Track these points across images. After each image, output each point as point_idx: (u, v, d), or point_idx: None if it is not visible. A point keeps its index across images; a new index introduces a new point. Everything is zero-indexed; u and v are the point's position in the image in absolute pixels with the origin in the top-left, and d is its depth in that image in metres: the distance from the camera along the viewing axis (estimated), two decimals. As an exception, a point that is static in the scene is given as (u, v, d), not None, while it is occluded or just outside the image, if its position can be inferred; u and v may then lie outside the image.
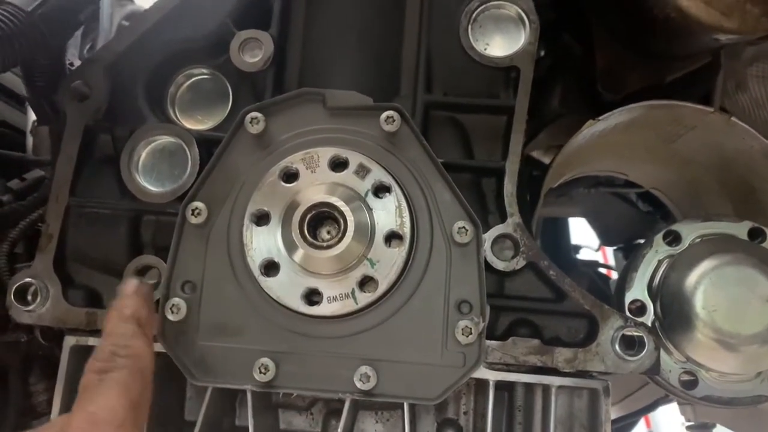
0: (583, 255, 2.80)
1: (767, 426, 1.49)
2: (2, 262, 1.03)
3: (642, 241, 1.49)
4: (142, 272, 0.97)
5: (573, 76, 1.52)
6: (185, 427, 1.02)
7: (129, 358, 0.67)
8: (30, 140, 1.55)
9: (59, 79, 1.03)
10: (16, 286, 0.94)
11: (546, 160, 1.70)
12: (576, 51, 1.47)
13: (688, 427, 1.87)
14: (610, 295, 1.01)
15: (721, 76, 1.31)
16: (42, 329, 1.04)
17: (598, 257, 3.04)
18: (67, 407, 0.95)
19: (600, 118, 1.08)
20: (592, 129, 1.12)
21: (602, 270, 2.36)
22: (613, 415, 1.93)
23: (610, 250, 3.00)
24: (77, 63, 1.34)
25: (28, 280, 0.95)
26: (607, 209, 2.00)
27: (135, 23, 1.03)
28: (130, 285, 0.77)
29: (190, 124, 1.05)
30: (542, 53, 1.55)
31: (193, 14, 1.03)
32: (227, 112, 1.05)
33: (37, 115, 1.18)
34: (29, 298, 0.95)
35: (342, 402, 0.97)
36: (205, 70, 1.06)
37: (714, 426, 1.86)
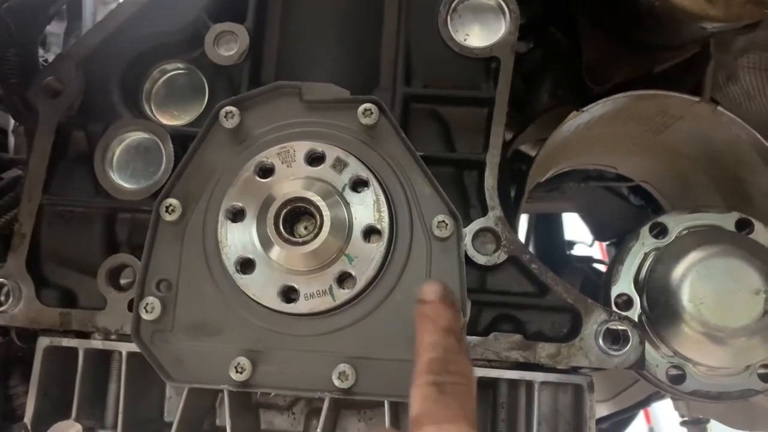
0: (578, 251, 2.78)
1: (760, 420, 1.47)
2: (-24, 262, 1.01)
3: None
4: (117, 271, 0.95)
5: (562, 70, 1.51)
6: (164, 428, 1.00)
7: (462, 374, 0.63)
8: (12, 140, 1.53)
9: (32, 75, 1.00)
10: (-11, 290, 0.92)
11: (533, 154, 1.68)
12: (564, 44, 1.45)
13: (682, 423, 1.86)
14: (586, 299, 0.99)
15: (711, 67, 1.29)
16: (17, 330, 1.02)
17: (595, 252, 3.03)
18: (40, 409, 0.93)
19: (584, 109, 1.06)
20: (576, 120, 1.11)
21: (597, 265, 2.35)
22: (608, 411, 1.92)
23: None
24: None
25: (0, 280, 0.93)
26: (599, 204, 1.98)
27: (108, 18, 1.01)
28: (435, 289, 0.71)
29: (166, 120, 1.03)
30: (531, 46, 1.53)
31: (167, 8, 1.01)
32: (203, 107, 1.03)
33: (11, 114, 1.16)
34: (2, 298, 0.93)
35: (323, 401, 0.96)
36: (180, 65, 1.04)
37: (708, 421, 1.85)
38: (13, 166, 1.26)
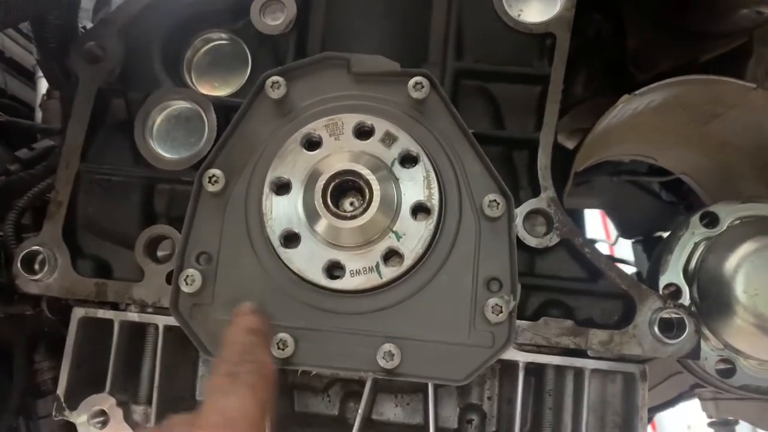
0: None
1: (795, 423, 1.44)
2: (9, 230, 0.98)
3: (663, 233, 1.42)
4: (155, 242, 0.92)
5: (598, 59, 1.48)
6: (196, 407, 0.97)
7: (256, 363, 0.68)
8: (39, 114, 1.51)
9: (71, 40, 0.98)
10: (23, 254, 0.90)
11: (569, 145, 1.65)
12: (606, 31, 1.42)
13: (710, 423, 1.82)
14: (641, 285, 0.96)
15: (753, 61, 1.26)
16: (49, 301, 1.00)
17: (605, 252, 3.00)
18: (73, 382, 0.91)
19: (636, 93, 1.03)
20: (625, 107, 1.07)
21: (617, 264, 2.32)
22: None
23: (617, 246, 2.96)
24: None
25: (35, 248, 0.90)
26: (628, 200, 1.95)
27: (151, -16, 0.99)
28: (247, 305, 0.79)
29: (206, 90, 1.00)
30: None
31: (212, -24, 0.98)
32: (246, 78, 1.00)
33: (47, 80, 1.13)
34: (36, 267, 0.91)
35: (361, 384, 0.93)
36: (223, 35, 1.02)
37: (737, 423, 1.81)
38: (45, 136, 1.23)
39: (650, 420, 2.44)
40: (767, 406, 1.49)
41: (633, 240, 2.21)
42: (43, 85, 1.58)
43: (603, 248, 3.13)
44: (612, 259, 2.37)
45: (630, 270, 2.35)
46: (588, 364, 0.88)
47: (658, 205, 1.88)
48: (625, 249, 2.60)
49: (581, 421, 0.87)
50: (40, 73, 1.59)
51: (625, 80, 1.37)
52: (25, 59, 1.68)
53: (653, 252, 1.12)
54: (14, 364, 1.20)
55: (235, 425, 0.61)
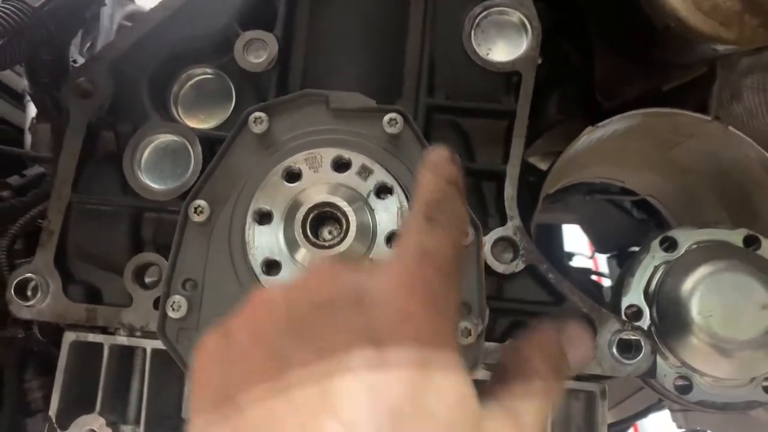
0: (576, 262, 2.82)
1: (757, 432, 1.51)
2: (2, 257, 1.03)
3: (636, 248, 1.49)
4: (143, 269, 0.97)
5: (570, 84, 1.54)
6: (182, 425, 1.02)
7: (455, 217, 0.61)
8: (28, 137, 1.55)
9: (62, 75, 1.03)
10: (16, 281, 0.94)
11: (542, 166, 1.72)
12: (574, 59, 1.48)
13: (679, 434, 1.89)
14: (603, 301, 1.02)
15: (717, 86, 1.33)
16: (40, 325, 1.04)
17: (590, 265, 3.07)
18: (64, 403, 0.95)
19: (599, 124, 1.09)
20: (590, 136, 1.13)
21: (594, 278, 2.38)
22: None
23: (601, 258, 3.03)
24: (79, 60, 1.34)
25: (28, 275, 0.95)
26: (601, 216, 2.01)
27: (139, 22, 1.04)
28: (444, 152, 0.68)
29: (192, 123, 1.05)
30: (540, 61, 1.57)
31: (197, 14, 1.03)
32: (230, 111, 1.05)
33: (39, 111, 1.18)
34: (29, 293, 0.95)
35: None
36: (208, 70, 1.07)
37: (705, 433, 1.88)
38: (34, 163, 1.28)
39: (628, 429, 2.50)
40: (731, 418, 1.56)
41: (608, 255, 2.28)
42: (33, 109, 1.62)
43: (583, 261, 3.20)
44: (591, 273, 2.45)
45: (607, 282, 2.42)
46: (552, 383, 0.93)
47: (630, 222, 1.94)
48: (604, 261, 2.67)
49: (546, 436, 0.93)
50: (29, 97, 1.64)
51: (595, 106, 1.44)
52: (13, 82, 1.71)
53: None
54: (5, 383, 1.24)
55: (432, 258, 0.55)
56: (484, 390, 0.56)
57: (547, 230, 2.49)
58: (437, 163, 0.67)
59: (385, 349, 0.46)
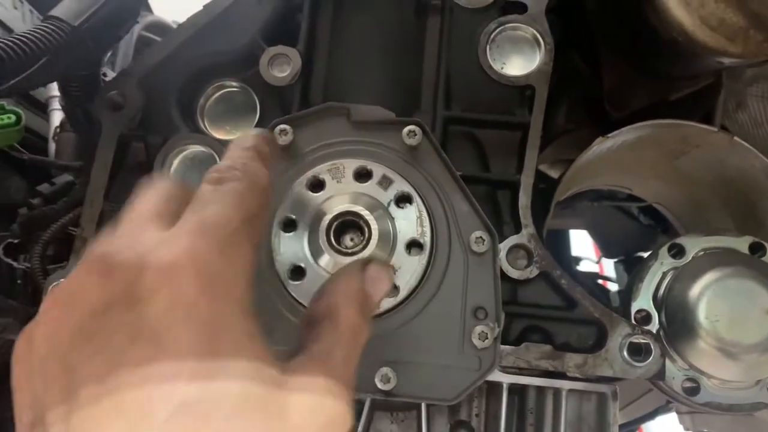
0: (584, 267, 2.85)
1: (763, 435, 1.54)
2: (36, 263, 1.07)
3: (643, 253, 1.52)
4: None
5: (579, 94, 1.58)
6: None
7: (247, 173, 0.58)
8: (52, 146, 1.60)
9: (94, 89, 1.07)
10: (52, 285, 0.98)
11: (552, 174, 1.76)
12: (583, 70, 1.52)
13: (686, 436, 1.92)
14: (609, 305, 1.06)
15: (723, 96, 1.37)
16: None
17: (596, 269, 3.11)
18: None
19: (609, 135, 1.13)
20: (600, 145, 1.17)
21: (600, 282, 2.42)
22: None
23: (607, 263, 3.07)
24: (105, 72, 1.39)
25: (63, 281, 0.99)
26: (609, 222, 2.06)
27: (168, 38, 1.08)
28: (254, 131, 0.70)
29: (219, 135, 1.09)
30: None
31: (224, 30, 1.08)
32: (254, 124, 1.10)
33: (70, 123, 1.22)
34: (64, 298, 0.99)
35: (360, 403, 1.02)
36: (234, 83, 1.11)
37: (712, 435, 1.91)
38: (62, 172, 1.32)
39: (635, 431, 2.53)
40: (737, 420, 1.59)
41: (615, 260, 2.32)
42: (57, 118, 1.67)
43: (590, 266, 3.24)
44: (598, 277, 2.49)
45: (614, 287, 2.46)
46: (565, 384, 0.97)
47: (637, 227, 1.98)
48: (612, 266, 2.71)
49: (559, 436, 0.97)
50: (53, 106, 1.68)
51: (604, 116, 1.48)
52: (37, 91, 1.76)
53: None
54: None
55: (211, 231, 0.49)
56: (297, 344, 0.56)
57: (555, 235, 2.53)
58: (241, 138, 0.65)
59: (165, 349, 0.43)
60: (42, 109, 1.75)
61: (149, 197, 0.57)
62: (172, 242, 0.48)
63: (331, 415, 0.50)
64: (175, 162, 1.04)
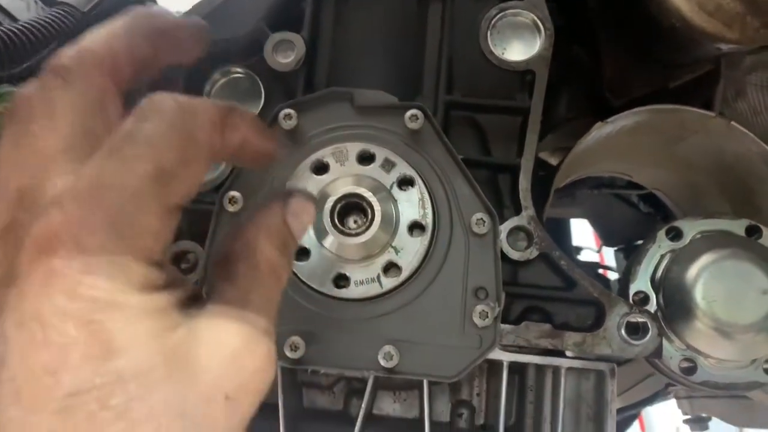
0: (584, 256, 2.87)
1: (760, 417, 1.56)
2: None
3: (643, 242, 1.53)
4: (180, 256, 1.03)
5: (579, 83, 1.60)
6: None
7: (177, 114, 0.51)
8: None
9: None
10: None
11: (552, 162, 1.78)
12: (583, 58, 1.54)
13: (685, 421, 1.94)
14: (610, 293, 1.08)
15: (722, 84, 1.39)
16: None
17: (596, 259, 3.13)
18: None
19: (608, 120, 1.15)
20: (600, 131, 1.19)
21: (601, 271, 2.43)
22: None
23: (607, 254, 3.09)
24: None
25: None
26: (609, 210, 2.07)
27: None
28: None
29: (224, 120, 1.11)
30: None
31: (228, 17, 1.10)
32: (259, 109, 1.11)
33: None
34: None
35: (363, 382, 1.04)
36: (239, 69, 1.13)
37: (710, 419, 1.94)
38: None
39: (636, 417, 2.55)
40: (735, 403, 1.62)
41: (615, 248, 2.33)
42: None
43: (591, 255, 3.26)
44: (598, 266, 2.50)
45: (614, 276, 2.48)
46: (564, 363, 0.99)
47: (636, 215, 2.00)
48: (612, 255, 2.73)
49: (559, 413, 0.99)
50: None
51: (604, 104, 1.50)
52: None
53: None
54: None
55: (105, 193, 0.41)
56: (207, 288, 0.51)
57: (556, 224, 2.55)
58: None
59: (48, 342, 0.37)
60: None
61: (66, 120, 0.49)
62: (54, 211, 0.40)
63: (253, 367, 0.46)
64: (182, 146, 1.06)
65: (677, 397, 1.81)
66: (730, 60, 1.41)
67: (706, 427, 1.95)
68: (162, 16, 0.59)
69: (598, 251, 2.98)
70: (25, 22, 0.86)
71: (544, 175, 1.38)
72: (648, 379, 1.70)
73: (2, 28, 0.86)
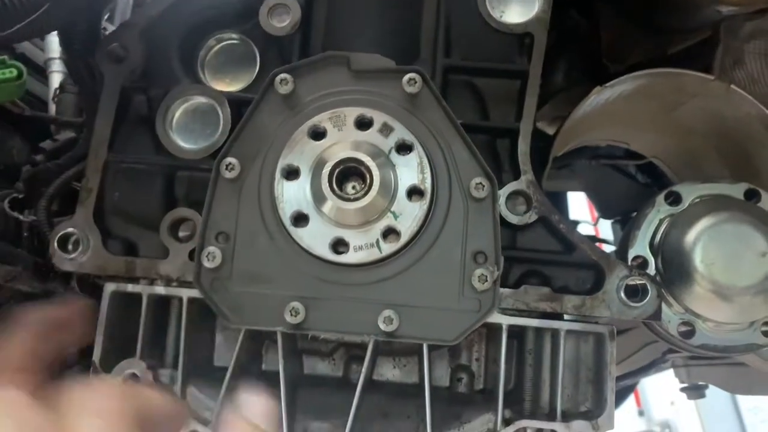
0: (580, 230, 2.87)
1: (757, 385, 1.57)
2: (42, 216, 1.08)
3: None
4: (177, 224, 1.03)
5: (577, 51, 1.59)
6: (215, 372, 1.08)
7: None
8: (52, 107, 1.61)
9: (94, 42, 1.08)
10: (59, 235, 1.00)
11: (550, 131, 1.76)
12: (582, 26, 1.53)
13: (682, 389, 1.96)
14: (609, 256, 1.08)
15: (720, 51, 1.37)
16: (79, 279, 1.10)
17: (592, 232, 3.13)
18: (106, 350, 1.01)
19: (607, 84, 1.14)
20: (598, 96, 1.18)
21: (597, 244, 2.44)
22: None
23: (603, 227, 3.10)
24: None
25: (70, 229, 1.00)
26: (606, 182, 2.07)
27: (168, -11, 1.08)
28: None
29: (219, 87, 1.10)
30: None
31: (223, -19, 1.08)
32: (255, 75, 1.10)
33: (72, 78, 1.23)
34: (70, 247, 1.01)
35: (363, 348, 1.04)
36: (234, 35, 1.12)
37: (707, 387, 1.95)
38: (65, 129, 1.33)
39: (633, 388, 2.57)
40: (731, 371, 1.63)
41: (612, 220, 2.34)
42: (55, 80, 1.67)
43: (587, 229, 3.27)
44: (593, 239, 2.50)
45: (610, 249, 2.48)
46: (563, 326, 0.99)
47: (634, 186, 2.00)
48: (608, 229, 2.73)
49: (558, 376, 0.99)
50: (52, 68, 1.68)
51: (602, 71, 1.49)
52: (35, 55, 1.76)
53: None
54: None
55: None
56: None
57: (553, 198, 2.55)
58: None
59: None
60: (41, 73, 1.75)
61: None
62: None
63: None
64: (178, 113, 1.05)
65: (675, 366, 1.82)
66: (729, 26, 1.39)
67: (703, 395, 1.97)
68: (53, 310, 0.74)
69: (594, 225, 2.98)
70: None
71: (542, 146, 1.37)
72: (645, 348, 1.71)
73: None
